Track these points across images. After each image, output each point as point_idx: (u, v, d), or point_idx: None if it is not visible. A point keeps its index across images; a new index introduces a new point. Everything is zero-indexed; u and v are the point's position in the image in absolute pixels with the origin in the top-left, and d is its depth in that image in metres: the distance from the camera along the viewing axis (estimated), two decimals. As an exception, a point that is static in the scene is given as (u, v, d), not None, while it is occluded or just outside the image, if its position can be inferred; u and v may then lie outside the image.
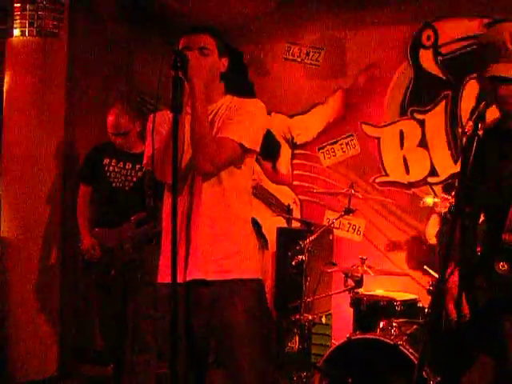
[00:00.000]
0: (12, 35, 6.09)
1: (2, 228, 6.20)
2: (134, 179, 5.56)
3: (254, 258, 3.50)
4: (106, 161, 5.61)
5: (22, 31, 6.03)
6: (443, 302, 3.29)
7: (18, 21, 6.02)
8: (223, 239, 3.39)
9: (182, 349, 3.31)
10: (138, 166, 5.54)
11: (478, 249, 3.45)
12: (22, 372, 6.16)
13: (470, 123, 2.86)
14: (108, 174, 5.58)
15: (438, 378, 4.37)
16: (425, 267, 5.39)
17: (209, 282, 3.36)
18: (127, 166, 5.58)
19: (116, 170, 5.59)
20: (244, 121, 3.38)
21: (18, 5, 6.02)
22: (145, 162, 3.52)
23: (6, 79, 6.16)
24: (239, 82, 4.84)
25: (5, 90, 6.19)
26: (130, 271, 5.50)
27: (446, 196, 5.01)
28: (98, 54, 6.87)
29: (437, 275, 5.13)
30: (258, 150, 3.47)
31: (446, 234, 3.52)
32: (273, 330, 6.48)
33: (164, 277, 3.42)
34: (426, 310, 5.05)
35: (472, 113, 2.88)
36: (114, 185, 5.58)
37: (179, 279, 3.24)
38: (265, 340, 3.46)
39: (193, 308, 3.37)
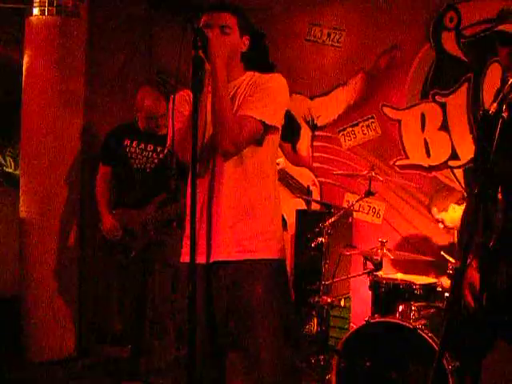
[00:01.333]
0: (31, 14, 6.08)
1: (20, 208, 6.21)
2: (156, 161, 5.56)
3: (276, 238, 3.46)
4: (127, 142, 5.60)
5: (41, 10, 6.02)
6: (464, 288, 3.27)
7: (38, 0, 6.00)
8: (245, 220, 3.37)
9: (202, 330, 3.30)
10: (159, 148, 5.53)
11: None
12: (39, 352, 6.20)
13: (495, 105, 2.82)
14: (129, 155, 5.58)
15: (457, 363, 4.34)
16: (442, 253, 5.36)
17: (230, 262, 3.35)
18: (149, 148, 5.57)
19: (137, 151, 5.58)
20: (265, 97, 3.35)
21: (38, -17, 6.01)
22: (168, 143, 3.48)
23: (26, 59, 6.15)
24: (260, 61, 4.80)
25: (24, 70, 6.18)
26: (150, 253, 5.50)
27: None
28: (118, 34, 6.84)
29: (453, 260, 5.11)
30: (279, 126, 3.44)
31: (468, 217, 3.49)
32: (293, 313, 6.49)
33: (187, 256, 3.41)
34: (446, 295, 5.01)
35: (497, 94, 2.85)
36: (135, 166, 5.57)
37: (202, 260, 3.24)
38: (284, 321, 3.43)
39: (214, 288, 3.37)
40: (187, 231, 3.42)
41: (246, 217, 3.37)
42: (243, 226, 3.36)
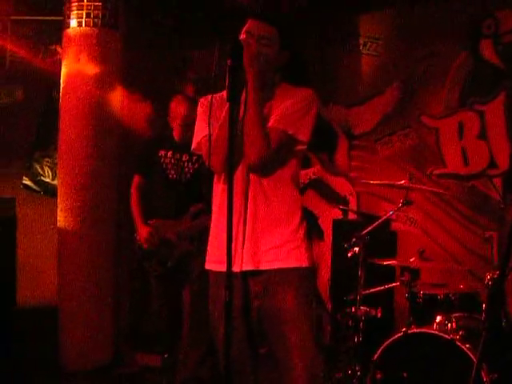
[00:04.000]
0: (69, 26, 6.14)
1: (58, 218, 6.26)
2: (191, 171, 5.56)
3: (304, 246, 3.48)
4: (162, 152, 5.60)
5: (78, 22, 6.07)
6: (503, 299, 3.22)
7: (75, 11, 6.06)
8: (273, 230, 3.41)
9: (236, 338, 3.32)
10: (194, 158, 5.54)
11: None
12: (75, 362, 6.22)
13: None
14: (164, 165, 5.58)
15: (495, 375, 4.29)
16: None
17: (261, 271, 3.39)
18: (184, 158, 5.58)
19: (172, 161, 5.59)
20: (295, 111, 3.37)
21: (75, -4, 6.07)
22: (193, 147, 3.53)
23: (63, 70, 6.21)
24: (297, 75, 4.77)
25: (62, 81, 6.24)
26: (187, 262, 5.51)
27: None
28: (153, 44, 6.87)
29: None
30: (307, 140, 3.45)
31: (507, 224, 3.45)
32: (328, 323, 6.45)
33: (211, 264, 3.50)
34: (484, 306, 4.94)
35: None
36: (170, 176, 5.58)
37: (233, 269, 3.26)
38: (313, 328, 3.45)
39: (245, 297, 3.40)
40: (212, 238, 3.53)
41: (274, 227, 3.41)
42: (271, 235, 3.40)
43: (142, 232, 5.56)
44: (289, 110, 3.37)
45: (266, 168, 3.38)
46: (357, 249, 5.40)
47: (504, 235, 3.65)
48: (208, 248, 3.57)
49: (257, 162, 3.31)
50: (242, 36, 3.31)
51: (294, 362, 3.36)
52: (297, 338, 3.37)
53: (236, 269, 3.34)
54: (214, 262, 3.40)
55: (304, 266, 3.45)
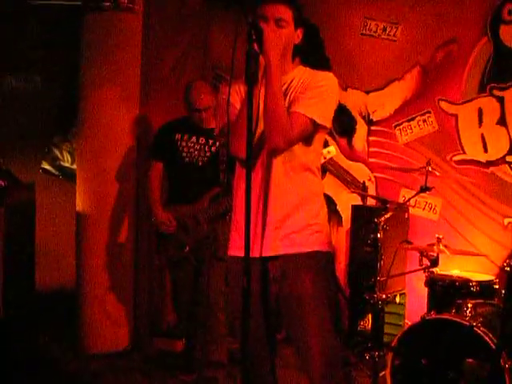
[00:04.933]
0: (88, 11, 6.13)
1: (77, 202, 6.28)
2: (208, 154, 5.56)
3: (323, 231, 3.50)
4: (178, 136, 5.60)
5: (97, 6, 6.06)
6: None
7: (95, -4, 6.06)
8: (293, 215, 3.41)
9: (254, 323, 3.31)
10: (211, 141, 5.53)
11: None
12: (94, 344, 6.28)
13: None
14: (180, 149, 5.58)
15: (514, 361, 4.28)
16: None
17: (279, 256, 3.40)
18: (200, 141, 5.57)
19: (189, 144, 5.58)
20: (316, 96, 3.35)
21: (95, -19, 6.06)
22: (217, 132, 3.54)
23: (82, 55, 6.22)
24: (315, 55, 4.76)
25: (81, 66, 6.24)
26: (204, 247, 5.51)
27: None
28: (174, 29, 6.85)
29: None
30: (328, 125, 3.45)
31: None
32: (346, 308, 6.45)
33: (235, 250, 3.47)
34: (503, 292, 4.92)
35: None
36: (186, 160, 5.57)
37: (252, 254, 3.26)
38: (332, 314, 3.46)
39: (264, 282, 3.40)
40: (235, 225, 3.51)
41: (295, 212, 3.41)
42: (292, 220, 3.40)
43: (159, 216, 5.57)
44: (310, 94, 3.35)
45: (287, 152, 3.36)
46: (376, 234, 5.40)
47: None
48: (231, 234, 3.57)
49: (282, 145, 3.30)
50: (259, 20, 3.29)
51: (312, 344, 3.38)
52: (315, 321, 3.38)
53: (256, 254, 3.35)
54: (238, 247, 3.39)
55: (323, 250, 3.46)
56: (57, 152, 7.46)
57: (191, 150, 5.57)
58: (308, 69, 3.53)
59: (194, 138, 5.58)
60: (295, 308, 3.40)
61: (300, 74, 3.48)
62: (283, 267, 3.40)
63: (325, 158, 5.96)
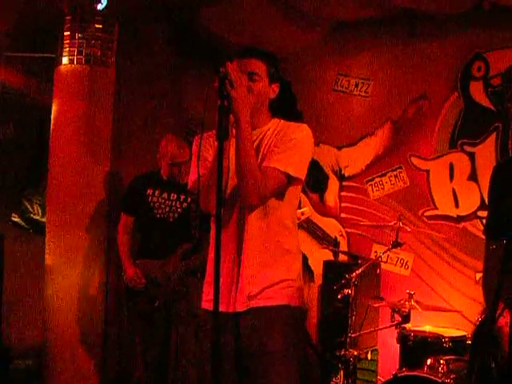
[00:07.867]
0: (61, 63, 6.14)
1: (46, 255, 6.21)
2: (179, 210, 5.54)
3: (296, 286, 3.45)
4: (150, 191, 5.58)
5: (70, 59, 6.08)
6: (496, 342, 3.18)
7: (67, 49, 6.07)
8: (267, 270, 3.37)
9: (226, 379, 3.27)
10: (182, 197, 5.52)
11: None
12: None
13: None
14: (151, 204, 5.56)
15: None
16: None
17: (251, 310, 3.34)
18: (172, 197, 5.56)
19: (160, 200, 5.57)
20: (290, 148, 3.34)
21: (68, 33, 6.07)
22: (190, 186, 3.50)
23: (54, 107, 6.20)
24: (288, 110, 4.77)
25: (52, 118, 6.22)
26: (174, 302, 5.47)
27: None
28: (146, 83, 6.87)
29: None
30: (303, 178, 3.43)
31: (492, 268, 3.41)
32: (317, 365, 6.39)
33: (207, 303, 3.39)
34: (470, 349, 4.86)
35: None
36: (158, 216, 5.55)
37: (223, 308, 3.21)
38: (299, 368, 3.40)
39: (234, 336, 3.35)
40: (208, 277, 3.46)
41: (268, 267, 3.37)
42: (265, 275, 3.36)
43: (129, 271, 5.53)
44: (283, 147, 3.34)
45: (261, 207, 3.34)
46: (347, 290, 5.37)
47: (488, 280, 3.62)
48: (204, 287, 3.52)
49: (255, 201, 3.27)
50: (232, 74, 3.26)
51: None
52: (283, 376, 3.32)
53: (229, 309, 3.31)
54: (210, 301, 3.33)
55: (294, 304, 3.42)
56: (27, 205, 7.39)
57: (162, 205, 5.55)
58: (282, 121, 3.51)
59: (165, 194, 5.57)
60: (262, 363, 3.32)
61: (274, 126, 3.47)
62: (253, 321, 3.33)
63: (299, 219, 5.94)
